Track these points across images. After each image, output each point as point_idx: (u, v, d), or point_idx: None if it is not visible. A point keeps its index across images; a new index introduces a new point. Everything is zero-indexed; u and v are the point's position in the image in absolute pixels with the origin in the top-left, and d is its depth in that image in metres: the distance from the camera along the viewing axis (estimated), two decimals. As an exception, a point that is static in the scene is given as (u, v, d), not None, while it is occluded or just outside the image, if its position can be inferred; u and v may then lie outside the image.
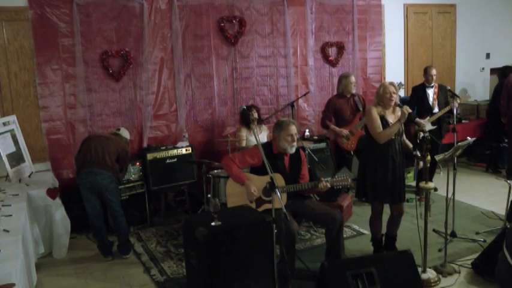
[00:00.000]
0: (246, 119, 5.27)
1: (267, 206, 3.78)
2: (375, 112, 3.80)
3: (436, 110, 5.81)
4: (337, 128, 5.58)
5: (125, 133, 4.87)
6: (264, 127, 5.56)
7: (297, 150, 3.95)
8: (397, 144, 3.84)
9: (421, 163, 3.67)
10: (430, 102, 5.87)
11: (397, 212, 3.98)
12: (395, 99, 3.79)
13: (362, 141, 5.60)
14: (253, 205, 3.80)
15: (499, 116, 6.69)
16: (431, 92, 5.90)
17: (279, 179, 3.73)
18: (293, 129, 3.79)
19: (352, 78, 5.58)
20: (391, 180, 3.80)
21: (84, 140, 4.55)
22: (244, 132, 5.38)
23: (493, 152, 6.97)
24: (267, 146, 3.90)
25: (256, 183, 3.79)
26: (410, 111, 3.69)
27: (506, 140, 6.83)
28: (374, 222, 4.05)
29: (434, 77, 5.84)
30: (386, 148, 3.79)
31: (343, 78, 5.62)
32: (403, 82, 7.13)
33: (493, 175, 6.77)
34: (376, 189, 3.83)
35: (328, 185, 3.72)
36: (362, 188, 3.94)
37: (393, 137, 3.78)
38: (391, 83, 3.83)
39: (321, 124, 5.84)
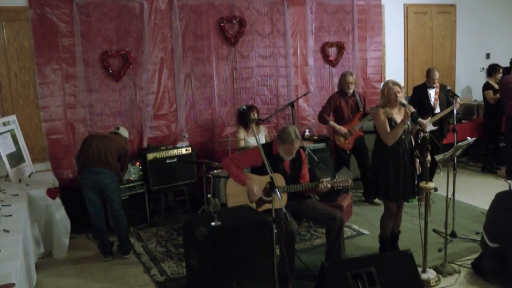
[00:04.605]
0: (244, 120, 5.26)
1: (267, 206, 3.77)
2: (382, 114, 3.81)
3: (437, 110, 5.80)
4: (336, 125, 5.56)
5: (124, 132, 4.87)
6: (262, 127, 5.54)
7: (297, 150, 3.94)
8: (407, 143, 3.84)
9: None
10: (432, 103, 5.85)
11: (398, 208, 4.00)
12: (401, 98, 3.79)
13: (359, 142, 5.63)
14: (254, 205, 3.80)
15: (493, 115, 6.69)
16: (432, 92, 5.88)
17: (279, 179, 3.73)
18: (296, 146, 3.76)
19: (349, 78, 5.51)
20: (403, 180, 3.82)
21: (85, 139, 4.54)
22: (242, 134, 5.36)
23: (490, 152, 6.96)
24: (267, 147, 3.89)
25: (257, 183, 3.79)
26: (413, 110, 3.68)
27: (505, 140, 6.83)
28: (386, 221, 4.03)
29: (436, 80, 5.83)
30: (396, 148, 3.79)
31: (341, 76, 5.64)
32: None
33: (491, 175, 6.75)
34: (391, 189, 3.83)
35: (329, 186, 3.72)
36: (375, 188, 3.95)
37: (402, 137, 3.79)
38: (395, 83, 3.83)
39: (318, 117, 5.79)
